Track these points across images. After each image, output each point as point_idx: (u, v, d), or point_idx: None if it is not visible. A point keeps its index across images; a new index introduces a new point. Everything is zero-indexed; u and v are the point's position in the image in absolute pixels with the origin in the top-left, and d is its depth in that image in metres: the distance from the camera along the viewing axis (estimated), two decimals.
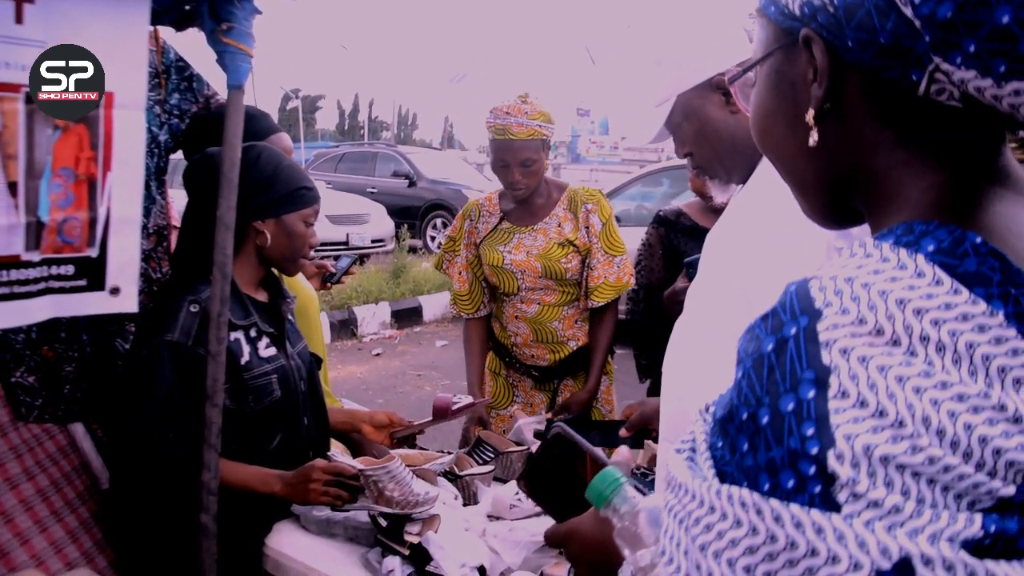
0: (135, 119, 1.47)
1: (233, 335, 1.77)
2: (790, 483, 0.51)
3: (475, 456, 2.24)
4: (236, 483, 1.73)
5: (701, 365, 1.27)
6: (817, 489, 0.50)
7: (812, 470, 0.50)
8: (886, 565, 0.47)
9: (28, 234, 1.37)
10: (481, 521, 1.84)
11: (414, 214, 12.84)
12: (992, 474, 0.49)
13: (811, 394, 0.51)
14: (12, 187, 1.32)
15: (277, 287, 1.98)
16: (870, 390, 0.50)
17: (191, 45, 1.90)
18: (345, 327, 7.59)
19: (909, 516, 0.48)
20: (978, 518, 0.49)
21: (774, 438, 0.52)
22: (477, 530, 1.81)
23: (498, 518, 1.85)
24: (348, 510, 1.80)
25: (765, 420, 0.53)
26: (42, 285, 1.43)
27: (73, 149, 1.37)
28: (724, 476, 0.56)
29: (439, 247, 12.04)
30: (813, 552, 0.49)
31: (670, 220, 2.63)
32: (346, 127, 67.64)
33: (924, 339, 0.51)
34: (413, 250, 11.08)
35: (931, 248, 0.55)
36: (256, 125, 2.06)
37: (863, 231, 0.69)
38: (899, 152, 0.62)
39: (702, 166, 1.55)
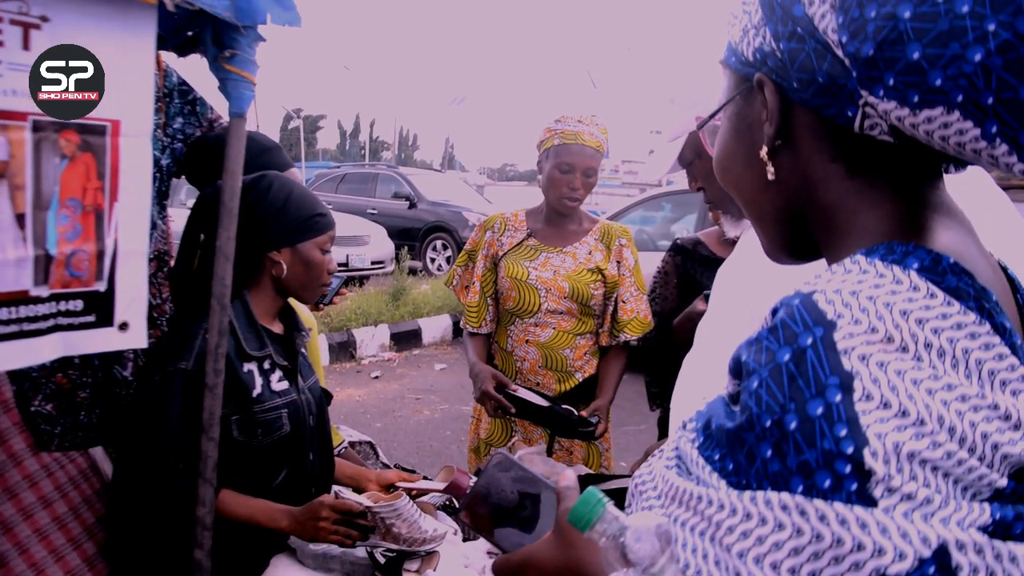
0: (142, 147, 1.44)
1: (247, 366, 1.75)
2: (826, 483, 0.53)
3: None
4: (242, 516, 1.70)
5: (710, 398, 1.25)
6: (854, 487, 0.53)
7: (848, 469, 0.53)
8: (927, 553, 0.51)
9: (37, 268, 1.33)
10: (481, 558, 1.80)
11: (414, 236, 12.82)
12: (991, 466, 0.55)
13: (838, 398, 0.54)
14: (20, 219, 1.28)
15: (293, 319, 1.95)
16: (892, 392, 0.54)
17: (192, 69, 1.89)
18: (344, 349, 7.55)
19: (938, 507, 0.52)
20: (987, 507, 0.54)
21: (805, 442, 0.54)
22: (477, 567, 1.77)
23: (499, 554, 1.81)
24: (356, 546, 1.76)
25: (793, 425, 0.55)
26: (51, 322, 1.39)
27: (80, 179, 1.34)
28: (737, 486, 0.59)
29: (439, 269, 11.91)
30: (859, 547, 0.52)
31: (687, 249, 2.60)
32: (347, 147, 67.90)
33: (928, 346, 0.56)
34: (413, 272, 11.06)
35: (916, 266, 0.60)
36: (272, 159, 2.06)
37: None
38: (849, 184, 0.69)
39: (714, 201, 1.54)
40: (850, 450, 0.53)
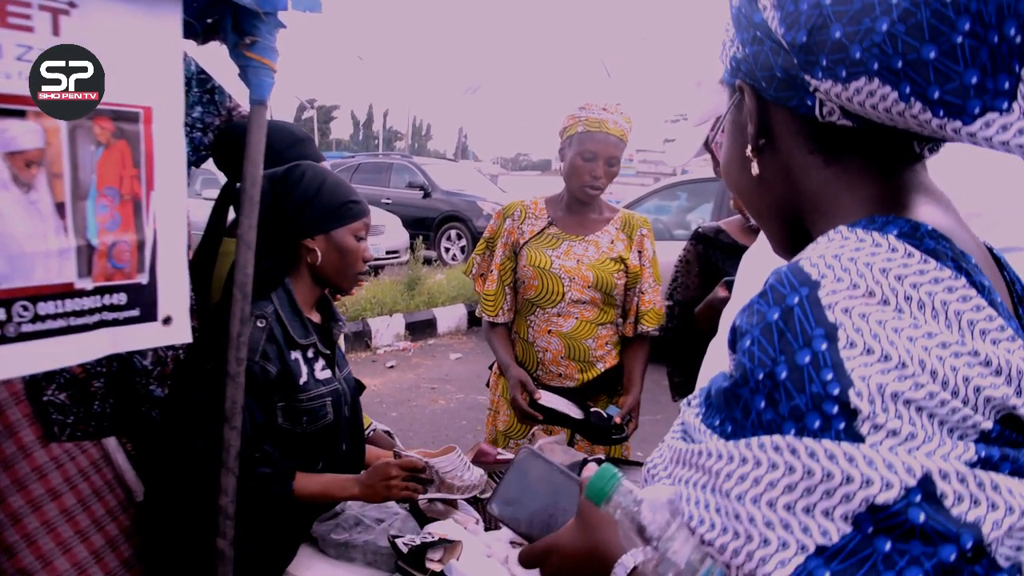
0: (175, 135, 1.40)
1: (293, 354, 1.76)
2: (816, 424, 0.58)
3: (494, 479, 2.20)
4: (318, 493, 1.76)
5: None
6: (841, 425, 0.57)
7: (835, 409, 0.57)
8: (912, 482, 0.54)
9: (80, 259, 1.28)
10: (504, 548, 1.79)
11: (429, 225, 12.82)
12: (975, 409, 0.58)
13: (824, 346, 0.59)
14: (60, 208, 1.24)
15: (329, 309, 1.96)
16: (873, 339, 0.59)
17: (209, 57, 1.88)
18: (359, 339, 7.56)
19: (922, 442, 0.56)
20: (972, 445, 0.57)
21: (795, 388, 0.59)
22: (500, 556, 1.76)
23: (521, 544, 1.80)
24: (419, 499, 1.91)
25: (784, 375, 0.59)
26: (97, 317, 1.32)
27: (116, 167, 1.30)
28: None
29: (453, 259, 11.91)
30: (848, 479, 0.55)
31: (709, 237, 2.58)
32: (360, 137, 67.91)
33: (907, 299, 0.61)
34: (428, 261, 11.06)
35: (895, 232, 0.65)
36: (305, 150, 2.06)
37: None
38: (827, 172, 0.74)
39: None
40: (836, 391, 0.57)
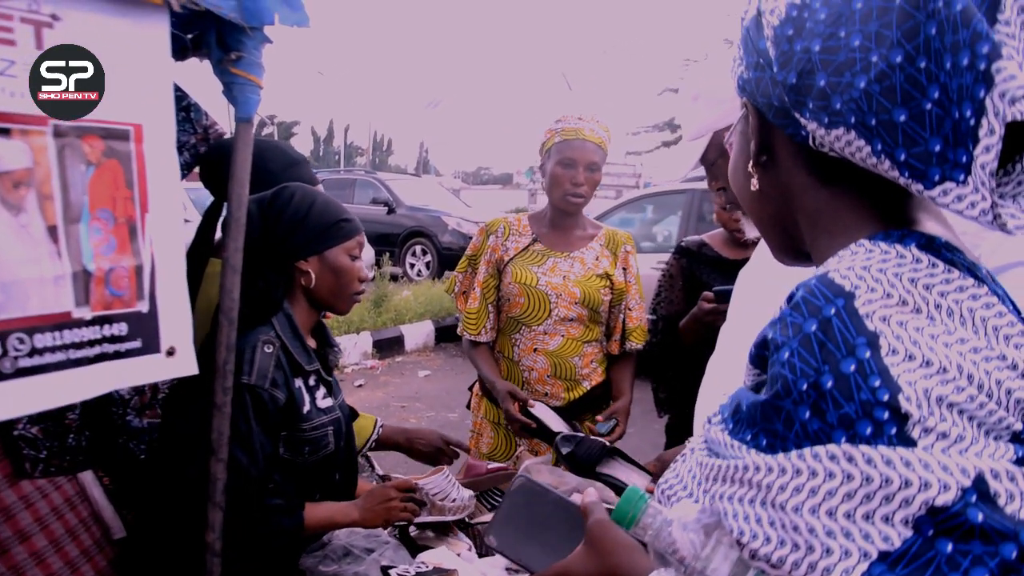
0: (167, 154, 1.34)
1: (296, 382, 1.71)
2: (868, 430, 0.58)
3: (484, 502, 2.15)
4: (325, 523, 1.73)
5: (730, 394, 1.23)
6: (893, 431, 0.57)
7: (886, 415, 0.58)
8: (967, 482, 0.55)
9: (76, 286, 1.19)
10: (499, 574, 1.74)
11: (393, 241, 12.71)
12: (1008, 410, 0.60)
13: (868, 354, 0.60)
14: (52, 231, 1.16)
15: (324, 335, 1.90)
16: (914, 346, 0.60)
17: (184, 74, 1.81)
18: None
19: (969, 444, 0.57)
20: (1011, 445, 0.59)
21: (843, 396, 0.59)
22: None
23: (518, 571, 1.75)
24: (412, 524, 1.91)
25: (829, 384, 0.60)
26: (97, 349, 1.23)
27: (109, 188, 1.23)
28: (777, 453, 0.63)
29: (418, 275, 11.84)
30: (906, 483, 0.56)
31: (692, 251, 2.56)
32: (321, 153, 67.40)
33: (937, 307, 0.63)
34: (394, 278, 10.96)
35: (914, 244, 0.68)
36: (301, 173, 2.01)
37: None
38: (826, 191, 0.76)
39: (735, 201, 1.50)
40: (886, 397, 0.58)
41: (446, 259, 12.16)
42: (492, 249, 2.56)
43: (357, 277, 1.82)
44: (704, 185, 7.49)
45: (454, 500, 1.94)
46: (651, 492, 2.00)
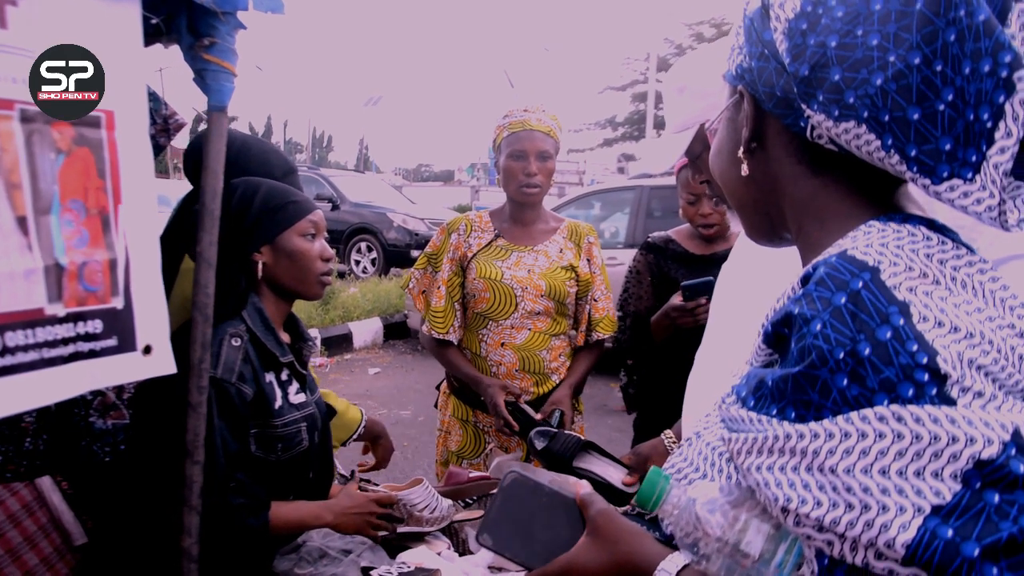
0: (140, 143, 1.27)
1: (267, 376, 1.66)
2: (910, 392, 0.61)
3: (459, 500, 2.12)
4: (294, 524, 1.68)
5: (726, 388, 1.23)
6: (933, 391, 0.60)
7: (926, 376, 0.61)
8: (1007, 436, 0.58)
9: (49, 281, 1.12)
10: (481, 573, 1.71)
11: (338, 238, 12.52)
12: (1022, 373, 0.64)
13: (901, 321, 0.63)
14: (22, 222, 1.08)
15: (297, 329, 1.85)
16: (942, 313, 0.64)
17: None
18: None
19: (1001, 402, 0.61)
20: None
21: (882, 361, 0.61)
22: None
23: (500, 569, 1.73)
24: (390, 536, 1.87)
25: (867, 351, 0.62)
26: (71, 348, 1.16)
27: (80, 177, 1.15)
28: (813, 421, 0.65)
29: (364, 272, 11.62)
30: (953, 439, 0.58)
31: (659, 247, 2.57)
32: None
33: (953, 279, 0.68)
34: (341, 275, 10.81)
35: (922, 224, 0.72)
36: (295, 182, 1.93)
37: None
38: (815, 180, 0.79)
39: (720, 195, 1.51)
40: (925, 360, 0.61)
41: (392, 256, 12.04)
42: (455, 247, 2.53)
43: (318, 257, 1.76)
44: (652, 182, 7.47)
45: (434, 511, 1.92)
46: (628, 484, 1.99)
